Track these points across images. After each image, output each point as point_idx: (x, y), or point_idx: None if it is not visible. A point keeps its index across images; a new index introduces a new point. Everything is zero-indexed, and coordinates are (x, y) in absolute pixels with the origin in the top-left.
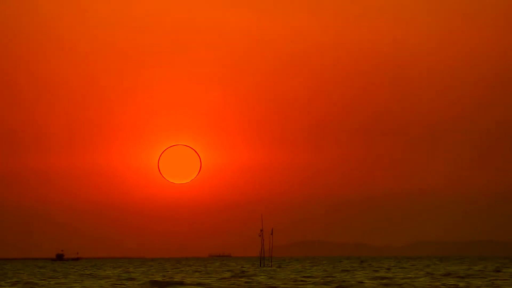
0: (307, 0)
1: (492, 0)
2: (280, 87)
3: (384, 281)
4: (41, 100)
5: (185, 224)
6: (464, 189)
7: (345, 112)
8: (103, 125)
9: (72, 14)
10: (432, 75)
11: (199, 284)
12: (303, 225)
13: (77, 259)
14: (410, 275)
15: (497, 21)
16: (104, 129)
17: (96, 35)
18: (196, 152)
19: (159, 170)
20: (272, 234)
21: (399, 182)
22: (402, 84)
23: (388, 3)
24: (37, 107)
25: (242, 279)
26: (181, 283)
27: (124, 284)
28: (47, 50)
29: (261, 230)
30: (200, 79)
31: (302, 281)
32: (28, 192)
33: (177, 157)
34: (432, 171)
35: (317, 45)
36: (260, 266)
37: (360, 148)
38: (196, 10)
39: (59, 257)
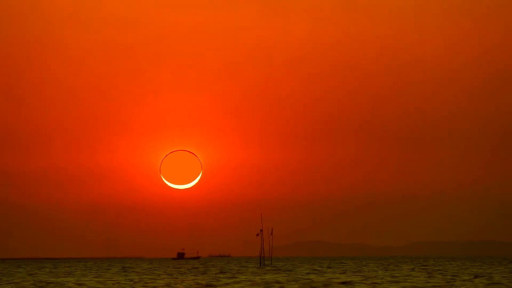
0: (300, 2)
1: (492, 2)
2: (280, 87)
3: None
4: (52, 100)
5: (185, 224)
6: (464, 189)
7: (345, 112)
8: (112, 126)
9: (82, 14)
10: (430, 76)
11: None
12: (303, 225)
13: (197, 257)
14: None
15: (501, 22)
16: (112, 130)
17: (106, 37)
18: (197, 157)
19: (161, 175)
20: (272, 234)
21: (399, 182)
22: (402, 85)
23: (384, 6)
24: (50, 107)
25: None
26: None
27: None
28: (55, 49)
29: (260, 230)
30: (197, 81)
31: None
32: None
33: (179, 162)
34: (432, 171)
35: (313, 44)
36: (260, 266)
37: (360, 148)
38: (193, 14)
39: (180, 256)
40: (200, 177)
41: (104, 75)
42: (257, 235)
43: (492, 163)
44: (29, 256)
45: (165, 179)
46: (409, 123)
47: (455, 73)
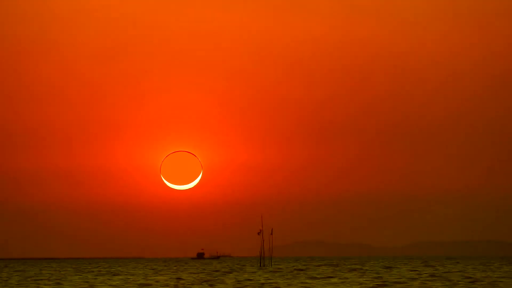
0: (303, 3)
1: (494, 5)
2: (280, 88)
3: None
4: (52, 100)
5: (185, 224)
6: (464, 189)
7: (346, 113)
8: (113, 126)
9: (81, 14)
10: (431, 78)
11: None
12: (303, 225)
13: (217, 257)
14: None
15: (503, 25)
16: (113, 130)
17: (106, 37)
18: (197, 158)
19: (161, 176)
20: (272, 234)
21: (400, 183)
22: (403, 86)
23: (386, 8)
24: (49, 107)
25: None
26: None
27: None
28: (53, 49)
29: (260, 230)
30: (197, 81)
31: None
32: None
33: (179, 163)
34: (432, 171)
35: (315, 45)
36: (260, 266)
37: (360, 148)
38: (193, 14)
39: (200, 256)
40: (200, 178)
41: (104, 75)
42: (258, 233)
43: (492, 163)
44: (28, 256)
45: (165, 179)
46: (409, 123)
47: (457, 75)
